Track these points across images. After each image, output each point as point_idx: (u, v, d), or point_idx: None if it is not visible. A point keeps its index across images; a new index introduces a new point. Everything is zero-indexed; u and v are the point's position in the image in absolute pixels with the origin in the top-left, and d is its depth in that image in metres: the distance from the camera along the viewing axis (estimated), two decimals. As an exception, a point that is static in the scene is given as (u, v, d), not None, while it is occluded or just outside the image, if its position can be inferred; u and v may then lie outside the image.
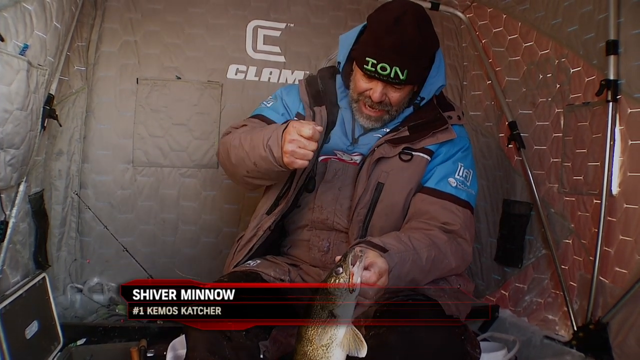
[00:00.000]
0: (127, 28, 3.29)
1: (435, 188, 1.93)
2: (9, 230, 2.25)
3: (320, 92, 2.07)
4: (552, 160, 2.98)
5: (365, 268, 1.41)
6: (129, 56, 3.30)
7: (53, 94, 2.65)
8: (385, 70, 1.80)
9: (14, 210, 2.33)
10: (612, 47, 2.45)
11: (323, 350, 1.37)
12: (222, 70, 3.45)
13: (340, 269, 1.37)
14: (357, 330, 1.38)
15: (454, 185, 1.93)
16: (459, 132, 2.02)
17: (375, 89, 1.88)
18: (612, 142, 2.46)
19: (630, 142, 2.41)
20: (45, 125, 2.56)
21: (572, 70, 2.80)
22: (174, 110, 3.38)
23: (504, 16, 3.36)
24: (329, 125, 2.04)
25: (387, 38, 1.80)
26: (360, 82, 1.92)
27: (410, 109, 2.03)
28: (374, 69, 1.82)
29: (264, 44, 3.50)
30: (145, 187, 3.38)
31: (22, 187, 2.39)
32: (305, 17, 3.55)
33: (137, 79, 3.31)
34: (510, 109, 3.30)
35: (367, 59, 1.83)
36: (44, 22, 2.23)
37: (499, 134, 3.45)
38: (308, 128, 1.64)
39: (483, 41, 3.56)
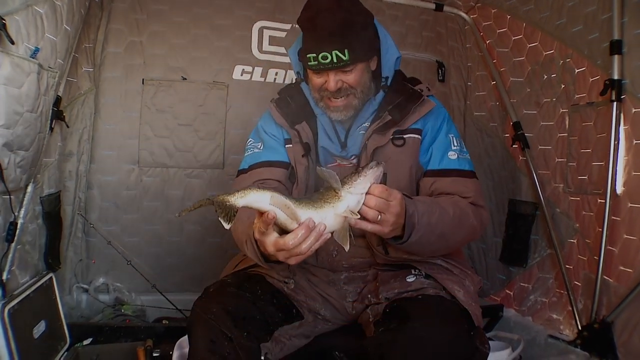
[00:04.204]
0: (133, 28, 3.30)
1: (440, 169, 1.95)
2: (17, 231, 2.27)
3: (293, 109, 2.07)
4: (557, 160, 2.99)
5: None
6: (135, 57, 3.31)
7: (61, 95, 2.66)
8: (327, 58, 1.81)
9: (22, 212, 2.35)
10: (616, 47, 2.46)
11: (325, 205, 1.49)
12: (228, 71, 3.47)
13: (360, 169, 1.52)
14: (349, 228, 1.52)
15: (455, 157, 1.96)
16: (437, 104, 2.04)
17: (329, 80, 1.88)
18: (616, 142, 2.47)
19: (634, 142, 2.41)
20: (52, 126, 2.58)
21: (576, 71, 2.81)
22: (179, 110, 3.39)
23: (508, 17, 3.37)
24: (314, 137, 2.04)
25: (315, 28, 1.84)
26: (314, 79, 1.94)
27: (381, 94, 2.02)
28: (317, 62, 1.84)
29: (269, 44, 3.52)
30: (151, 187, 3.39)
31: (30, 189, 2.40)
32: (311, 18, 3.56)
33: (143, 79, 3.32)
34: (515, 109, 3.31)
35: (308, 56, 1.85)
36: (54, 25, 2.24)
37: (504, 134, 3.46)
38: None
39: (487, 42, 3.58)
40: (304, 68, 2.03)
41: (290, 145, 2.05)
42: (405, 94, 2.01)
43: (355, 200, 1.50)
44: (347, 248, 1.51)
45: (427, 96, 2.01)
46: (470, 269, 2.00)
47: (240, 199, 1.46)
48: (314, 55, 1.83)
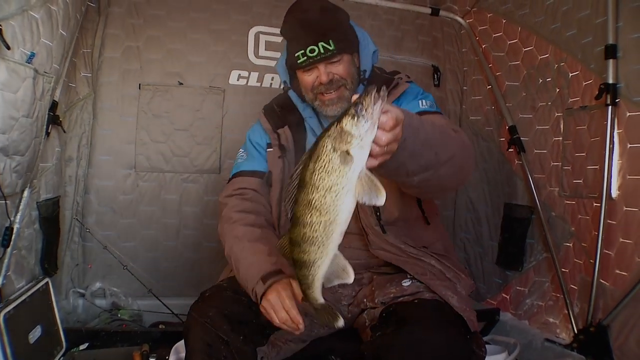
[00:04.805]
0: (130, 33, 3.31)
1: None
2: (13, 236, 2.27)
3: (279, 114, 2.13)
4: (552, 163, 2.99)
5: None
6: (132, 62, 3.32)
7: (57, 100, 2.67)
8: (314, 50, 1.88)
9: (18, 216, 2.35)
10: (611, 51, 2.47)
11: (332, 197, 1.19)
12: (224, 76, 3.48)
13: (360, 106, 1.16)
14: (371, 174, 1.19)
15: (423, 107, 1.96)
16: (412, 85, 2.07)
17: (320, 73, 1.93)
18: (611, 146, 2.47)
19: (629, 146, 2.42)
20: (49, 131, 2.58)
21: (571, 75, 2.81)
22: (176, 115, 3.40)
23: (504, 21, 3.38)
24: (300, 142, 2.07)
25: (299, 26, 1.93)
26: (305, 79, 1.98)
27: (361, 87, 2.05)
28: (305, 57, 1.90)
29: (265, 49, 3.53)
30: (147, 192, 3.40)
31: (26, 194, 2.41)
32: (307, 23, 3.57)
33: (139, 84, 3.33)
34: (511, 113, 3.32)
35: (296, 54, 1.91)
36: (50, 30, 2.25)
37: (500, 138, 3.47)
38: (282, 315, 1.65)
39: (483, 46, 3.59)
40: (292, 77, 2.08)
41: (271, 149, 2.10)
42: (380, 83, 2.02)
43: (366, 154, 1.18)
44: (383, 197, 1.18)
45: (407, 82, 2.05)
46: (464, 270, 2.00)
47: None
48: (302, 51, 1.89)
